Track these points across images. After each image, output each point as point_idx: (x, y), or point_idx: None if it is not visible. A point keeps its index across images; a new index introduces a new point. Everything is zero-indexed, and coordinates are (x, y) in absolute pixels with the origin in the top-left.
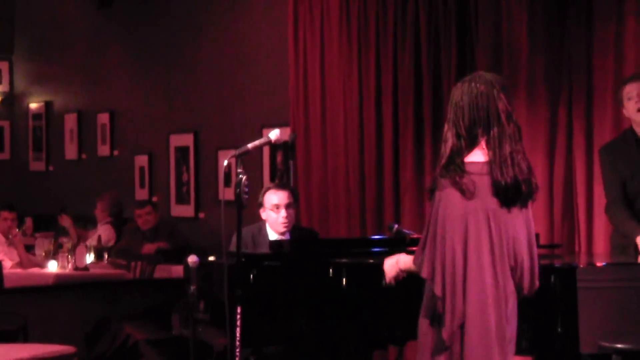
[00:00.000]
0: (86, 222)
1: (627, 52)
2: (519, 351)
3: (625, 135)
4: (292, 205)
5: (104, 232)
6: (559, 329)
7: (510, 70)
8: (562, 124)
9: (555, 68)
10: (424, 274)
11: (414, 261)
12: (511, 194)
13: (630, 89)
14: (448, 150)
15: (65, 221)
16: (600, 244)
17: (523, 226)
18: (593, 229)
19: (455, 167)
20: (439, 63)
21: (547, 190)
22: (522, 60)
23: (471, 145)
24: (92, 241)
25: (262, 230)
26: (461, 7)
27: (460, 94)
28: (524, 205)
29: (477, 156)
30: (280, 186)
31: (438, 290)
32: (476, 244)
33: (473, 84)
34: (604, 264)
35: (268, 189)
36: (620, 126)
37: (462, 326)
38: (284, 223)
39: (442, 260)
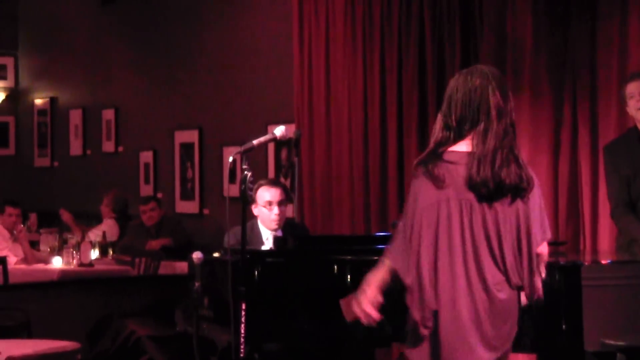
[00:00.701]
0: (91, 218)
1: (631, 49)
2: (523, 349)
3: (629, 133)
4: (285, 202)
5: (107, 227)
6: (563, 327)
7: (514, 68)
8: (567, 122)
9: (559, 66)
10: (392, 263)
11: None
12: (486, 191)
13: (631, 88)
14: (432, 144)
15: (65, 216)
16: (605, 242)
17: (510, 222)
18: (598, 227)
19: (433, 156)
20: (443, 61)
21: (552, 189)
22: (526, 58)
23: (459, 137)
24: (96, 237)
25: (254, 228)
26: (465, 5)
27: (455, 86)
28: (513, 200)
29: (461, 147)
30: (273, 183)
31: (408, 280)
32: (447, 232)
33: (469, 77)
34: (608, 261)
35: (260, 185)
36: (625, 124)
37: (436, 314)
38: (276, 220)
39: (410, 249)
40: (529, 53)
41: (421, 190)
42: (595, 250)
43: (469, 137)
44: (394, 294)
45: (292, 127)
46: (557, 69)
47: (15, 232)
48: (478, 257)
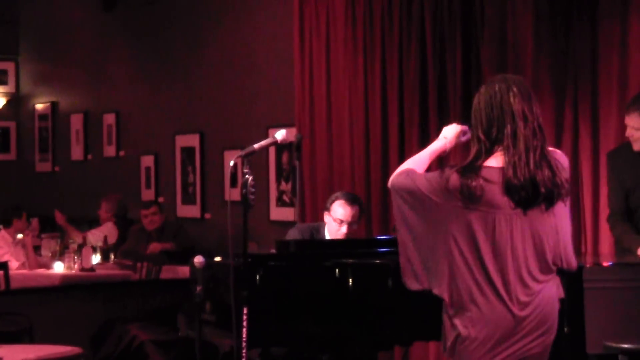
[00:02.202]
0: (92, 223)
1: (632, 53)
2: None
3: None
4: (356, 222)
5: (106, 230)
6: (565, 329)
7: (515, 71)
8: (568, 126)
9: (560, 69)
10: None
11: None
12: (524, 195)
13: (626, 120)
14: (470, 157)
15: (59, 218)
16: (606, 245)
17: (545, 231)
18: (599, 230)
19: (471, 168)
20: (444, 64)
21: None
22: (527, 62)
23: (491, 147)
24: (96, 239)
25: (320, 231)
26: (466, 9)
27: (477, 98)
28: (549, 206)
29: (495, 161)
30: (351, 201)
31: (436, 290)
32: (475, 250)
33: (489, 86)
34: (610, 264)
35: (337, 198)
36: (625, 128)
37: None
38: (342, 236)
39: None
40: (530, 56)
41: (448, 206)
42: (596, 253)
43: (500, 149)
44: (397, 296)
45: (293, 131)
46: (558, 72)
47: (22, 235)
48: (509, 275)
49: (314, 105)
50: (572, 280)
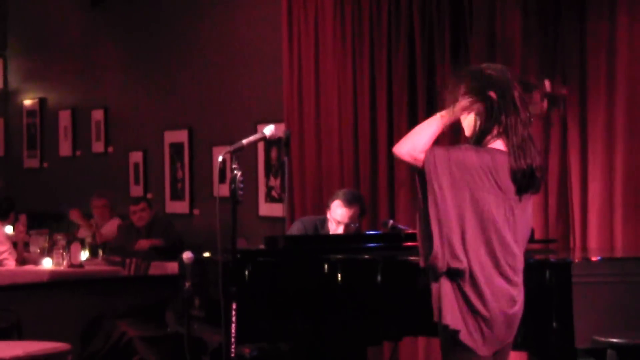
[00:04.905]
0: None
1: (619, 49)
2: (513, 347)
3: None
4: (355, 223)
5: (113, 226)
6: (554, 324)
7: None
8: (556, 121)
9: (548, 65)
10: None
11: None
12: (526, 180)
13: None
14: (477, 132)
15: (74, 215)
16: (595, 240)
17: (528, 215)
18: (588, 225)
19: (478, 143)
20: (433, 61)
21: (541, 187)
22: (515, 57)
23: (492, 127)
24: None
25: (325, 224)
26: (455, 4)
27: (488, 73)
28: (533, 193)
29: (499, 144)
30: (349, 202)
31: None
32: (487, 215)
33: (500, 71)
34: (598, 258)
35: (337, 197)
36: (614, 123)
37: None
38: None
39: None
40: (519, 52)
41: (466, 180)
42: (585, 248)
43: (500, 131)
44: (386, 291)
45: (282, 127)
46: (546, 67)
47: (12, 229)
48: (510, 246)
49: (303, 100)
50: (560, 275)
